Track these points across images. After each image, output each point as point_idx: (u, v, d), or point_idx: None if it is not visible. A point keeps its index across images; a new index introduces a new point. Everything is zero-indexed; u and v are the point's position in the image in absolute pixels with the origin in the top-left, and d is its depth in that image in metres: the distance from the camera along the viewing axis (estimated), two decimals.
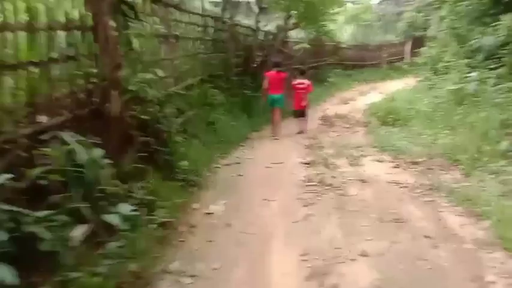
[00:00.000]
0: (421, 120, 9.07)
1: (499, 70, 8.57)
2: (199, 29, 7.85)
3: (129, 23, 4.42)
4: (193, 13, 7.34)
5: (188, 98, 6.29)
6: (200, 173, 5.15)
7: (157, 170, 4.32)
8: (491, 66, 9.12)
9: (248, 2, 18.54)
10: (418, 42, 21.71)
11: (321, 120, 11.24)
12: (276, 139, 8.14)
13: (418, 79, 14.96)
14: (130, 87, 3.84)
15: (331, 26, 16.29)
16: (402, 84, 16.66)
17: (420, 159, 6.49)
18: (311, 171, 5.82)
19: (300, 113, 8.96)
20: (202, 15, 7.89)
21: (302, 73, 9.46)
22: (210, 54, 8.28)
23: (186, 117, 5.59)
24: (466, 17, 12.39)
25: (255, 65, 11.57)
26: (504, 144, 5.81)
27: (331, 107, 13.62)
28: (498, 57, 10.45)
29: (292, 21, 12.32)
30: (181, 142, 4.95)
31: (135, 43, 4.39)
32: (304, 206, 4.56)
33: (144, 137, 4.22)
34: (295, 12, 11.98)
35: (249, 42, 11.26)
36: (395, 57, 21.45)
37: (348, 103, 14.42)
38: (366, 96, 15.93)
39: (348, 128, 10.27)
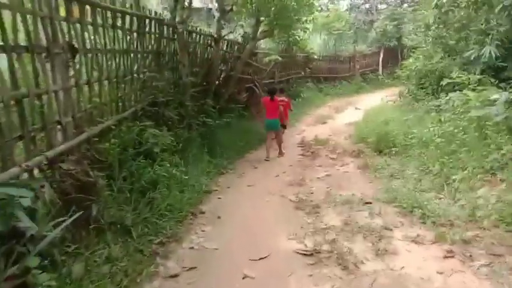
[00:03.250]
0: (430, 152, 6.69)
1: None
2: (132, 37, 5.01)
3: None
4: (117, 11, 4.43)
5: (101, 154, 3.51)
6: None
7: None
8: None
9: (209, 9, 15.91)
10: (390, 53, 19.83)
11: (300, 148, 8.83)
12: (267, 160, 7.70)
13: (402, 95, 12.79)
14: None
15: (302, 35, 13.85)
16: (379, 99, 14.53)
17: (472, 233, 4.07)
18: (319, 281, 3.19)
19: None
20: (135, 16, 5.04)
21: (281, 91, 8.73)
22: (152, 74, 5.44)
23: (92, 199, 2.79)
24: (456, 24, 10.35)
25: (218, 83, 8.88)
26: None
27: (308, 128, 11.33)
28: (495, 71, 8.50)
29: (262, 28, 9.70)
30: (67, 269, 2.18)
31: None
32: None
33: None
34: (265, 18, 9.38)
35: (209, 55, 8.54)
36: (368, 69, 19.32)
37: (326, 122, 12.16)
38: (344, 112, 13.73)
39: (335, 159, 7.84)
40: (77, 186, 3.01)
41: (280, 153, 8.11)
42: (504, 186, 4.93)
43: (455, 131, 6.75)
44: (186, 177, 4.85)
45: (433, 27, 11.36)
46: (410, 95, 11.74)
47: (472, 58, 9.08)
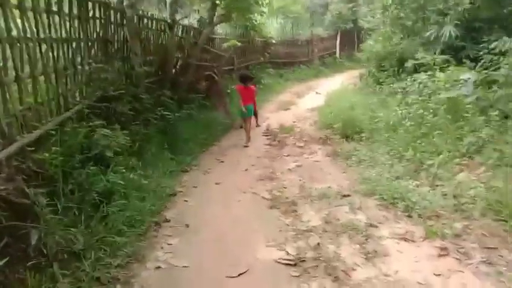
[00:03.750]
0: (400, 136, 6.48)
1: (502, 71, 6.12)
2: (73, 23, 4.25)
3: None
4: None
5: (40, 166, 2.84)
6: None
7: None
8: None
9: None
10: (347, 36, 19.71)
11: (265, 137, 8.38)
12: (246, 146, 7.59)
13: (362, 77, 12.64)
14: None
15: (259, 19, 13.27)
16: (339, 82, 14.34)
17: (461, 225, 3.83)
18: None
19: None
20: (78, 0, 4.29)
21: (250, 79, 8.41)
22: (99, 65, 4.70)
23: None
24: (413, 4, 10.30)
25: (175, 72, 8.18)
26: None
27: (271, 115, 10.88)
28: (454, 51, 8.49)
29: (218, 13, 9.04)
30: None
31: None
32: None
33: None
34: (221, 1, 8.74)
35: (163, 41, 7.80)
36: (326, 52, 19.10)
37: (289, 108, 11.76)
38: (305, 98, 13.42)
39: (302, 147, 7.47)
40: (9, 211, 2.36)
41: (247, 143, 7.74)
42: (483, 170, 4.77)
43: (425, 113, 6.56)
44: (146, 181, 4.23)
45: (391, 9, 11.23)
46: (371, 78, 11.58)
47: (431, 38, 9.01)
